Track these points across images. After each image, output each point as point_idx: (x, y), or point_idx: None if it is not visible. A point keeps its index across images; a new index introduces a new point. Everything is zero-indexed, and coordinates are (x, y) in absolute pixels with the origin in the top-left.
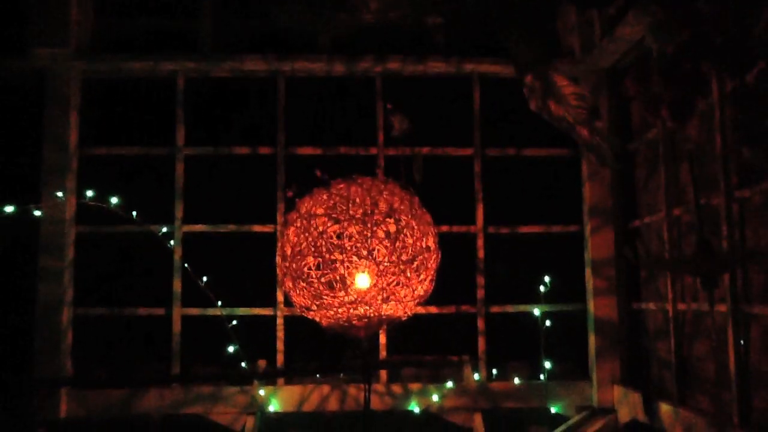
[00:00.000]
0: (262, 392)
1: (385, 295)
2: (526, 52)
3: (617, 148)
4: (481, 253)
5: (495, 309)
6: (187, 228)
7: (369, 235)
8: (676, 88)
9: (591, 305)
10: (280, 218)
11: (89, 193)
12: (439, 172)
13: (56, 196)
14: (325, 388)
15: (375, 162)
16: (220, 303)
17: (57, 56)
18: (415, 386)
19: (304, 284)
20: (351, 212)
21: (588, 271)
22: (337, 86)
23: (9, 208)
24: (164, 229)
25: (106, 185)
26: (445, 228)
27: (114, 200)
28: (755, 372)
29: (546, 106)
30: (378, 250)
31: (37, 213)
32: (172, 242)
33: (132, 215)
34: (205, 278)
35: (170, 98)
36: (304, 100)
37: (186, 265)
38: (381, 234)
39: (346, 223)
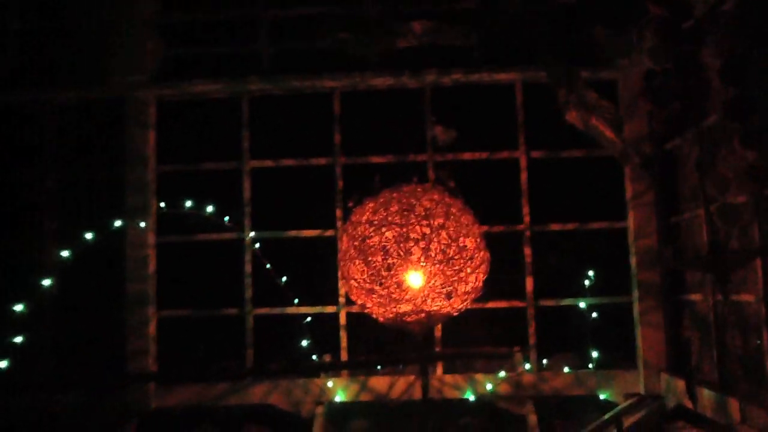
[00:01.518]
0: (329, 384)
1: (430, 293)
2: (556, 68)
3: (644, 154)
4: (528, 250)
5: (544, 302)
6: (255, 235)
7: (417, 237)
8: (679, 103)
9: (637, 298)
10: (338, 223)
11: (164, 204)
12: (487, 175)
13: (138, 225)
14: (386, 379)
15: (425, 168)
16: (296, 301)
17: (134, 83)
18: (469, 377)
19: (360, 284)
20: (390, 218)
21: (633, 264)
22: (386, 98)
23: (117, 222)
24: (251, 236)
25: (180, 198)
26: (493, 227)
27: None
28: None
29: (579, 117)
30: (425, 251)
31: (118, 223)
32: (257, 245)
33: (224, 220)
34: (280, 280)
35: (236, 115)
36: (355, 115)
37: (268, 266)
38: (418, 236)
39: (384, 228)
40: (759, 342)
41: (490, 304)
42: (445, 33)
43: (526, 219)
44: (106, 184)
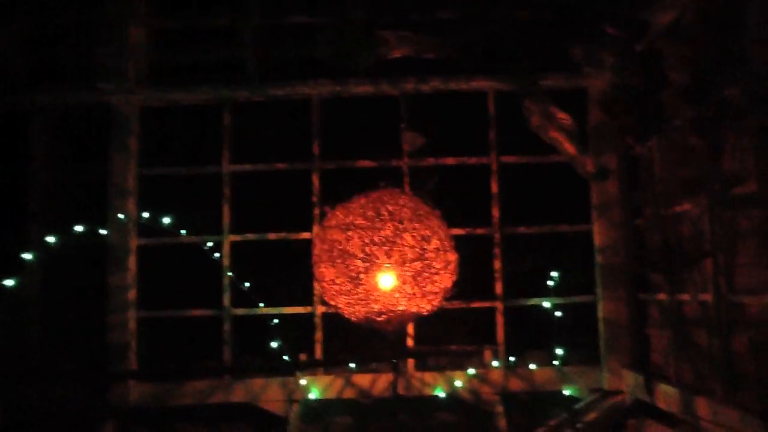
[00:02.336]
0: (303, 382)
1: (406, 293)
2: (520, 78)
3: (601, 166)
4: (498, 253)
5: (512, 302)
6: (233, 238)
7: (387, 240)
8: (638, 116)
9: (600, 296)
10: (315, 227)
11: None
12: (457, 179)
13: (119, 218)
14: (360, 377)
15: (400, 173)
16: (262, 304)
17: (118, 90)
18: (440, 374)
19: (333, 285)
20: (357, 222)
21: (597, 265)
22: (363, 105)
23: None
24: (209, 243)
25: (162, 199)
26: (465, 230)
27: (167, 216)
28: (735, 351)
29: (541, 126)
30: (396, 252)
31: (103, 232)
32: (217, 255)
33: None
34: (247, 283)
35: (217, 120)
36: (334, 122)
37: (230, 273)
38: (382, 239)
39: (351, 232)
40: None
41: (461, 304)
42: (421, 44)
43: (496, 222)
44: (90, 186)
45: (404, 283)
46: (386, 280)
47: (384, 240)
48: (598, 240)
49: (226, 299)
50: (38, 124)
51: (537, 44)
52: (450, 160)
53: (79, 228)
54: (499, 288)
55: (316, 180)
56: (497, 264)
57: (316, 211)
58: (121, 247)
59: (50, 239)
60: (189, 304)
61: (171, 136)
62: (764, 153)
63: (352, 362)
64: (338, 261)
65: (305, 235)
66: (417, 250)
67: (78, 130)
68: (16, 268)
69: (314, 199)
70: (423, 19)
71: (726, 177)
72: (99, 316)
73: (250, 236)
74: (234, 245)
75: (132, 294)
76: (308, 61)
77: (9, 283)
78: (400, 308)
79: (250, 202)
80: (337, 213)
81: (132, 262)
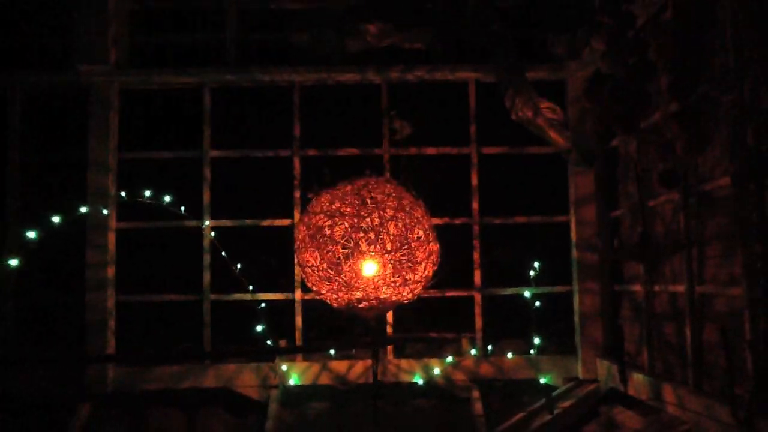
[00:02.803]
0: (283, 368)
1: (387, 280)
2: (503, 69)
3: (586, 151)
4: (476, 243)
5: (490, 291)
6: (214, 223)
7: (369, 228)
8: (624, 106)
9: (576, 288)
10: (296, 213)
11: (123, 192)
12: (439, 169)
13: (101, 210)
14: (339, 363)
15: (381, 162)
16: (251, 287)
17: (98, 72)
18: (418, 361)
19: (315, 271)
20: (343, 209)
21: (574, 257)
22: (348, 93)
23: (80, 207)
24: (206, 222)
25: (142, 185)
26: (445, 220)
27: (148, 195)
28: (705, 341)
29: (524, 116)
30: (380, 240)
31: (84, 210)
32: (212, 233)
33: (180, 210)
34: (239, 266)
35: (198, 105)
36: (315, 106)
37: (224, 253)
38: (368, 227)
39: (337, 218)
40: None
41: (441, 293)
42: (402, 34)
43: (476, 212)
44: (69, 168)
45: (387, 271)
46: (369, 267)
47: (369, 228)
48: (574, 232)
49: (206, 284)
50: (14, 105)
51: (521, 35)
52: (431, 150)
53: (56, 217)
54: (477, 277)
55: (297, 166)
56: (476, 254)
57: (297, 197)
58: (100, 229)
59: (30, 232)
60: (168, 289)
61: (151, 120)
62: (738, 150)
63: (331, 348)
64: (322, 247)
65: (286, 221)
66: (401, 239)
67: (55, 112)
68: None
69: (296, 184)
70: (405, 7)
71: (701, 172)
72: (77, 299)
73: (229, 222)
74: (215, 230)
75: (111, 275)
76: (294, 48)
77: None
78: (382, 296)
79: (231, 187)
80: (322, 199)
81: (111, 243)
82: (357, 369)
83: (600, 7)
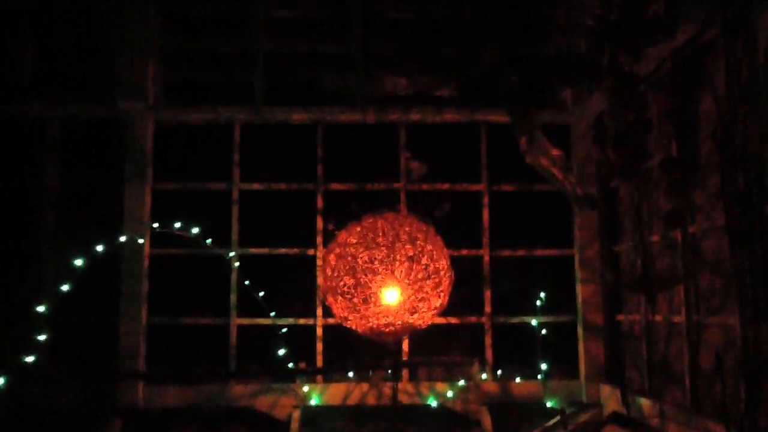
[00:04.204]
0: (305, 389)
1: (408, 307)
2: (519, 117)
3: (590, 196)
4: (487, 274)
5: (500, 319)
6: (241, 251)
7: (394, 258)
8: (625, 156)
9: (581, 317)
10: (319, 243)
11: (158, 221)
12: (453, 205)
13: (137, 239)
14: (358, 386)
15: (399, 197)
16: (273, 314)
17: (136, 108)
18: (432, 385)
19: (343, 299)
20: (378, 240)
21: (578, 288)
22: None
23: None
24: (231, 253)
25: (173, 214)
26: (459, 252)
27: (195, 228)
28: (702, 367)
29: (536, 162)
30: (402, 271)
31: (122, 238)
32: (237, 263)
33: (206, 242)
34: (258, 294)
35: (228, 139)
36: (338, 145)
37: (246, 282)
38: (403, 258)
39: (375, 250)
40: (679, 354)
41: (454, 320)
42: (426, 84)
43: (486, 245)
44: (106, 198)
45: (413, 297)
46: (392, 295)
47: (405, 258)
48: (579, 264)
49: (232, 309)
50: (53, 136)
51: (533, 83)
52: (445, 186)
53: (94, 245)
54: (487, 306)
55: (320, 200)
56: (486, 284)
57: (320, 230)
58: (135, 255)
59: (69, 259)
60: (197, 313)
61: (184, 154)
62: (728, 192)
63: (350, 371)
64: (357, 275)
65: (310, 251)
66: (431, 268)
67: (92, 143)
68: (30, 280)
69: (319, 217)
70: (424, 57)
71: (695, 212)
72: (111, 321)
73: (257, 251)
74: (242, 258)
75: (143, 299)
76: (317, 88)
77: (41, 309)
78: (408, 321)
79: (257, 218)
80: (352, 231)
81: (145, 269)
82: (375, 391)
83: (606, 67)
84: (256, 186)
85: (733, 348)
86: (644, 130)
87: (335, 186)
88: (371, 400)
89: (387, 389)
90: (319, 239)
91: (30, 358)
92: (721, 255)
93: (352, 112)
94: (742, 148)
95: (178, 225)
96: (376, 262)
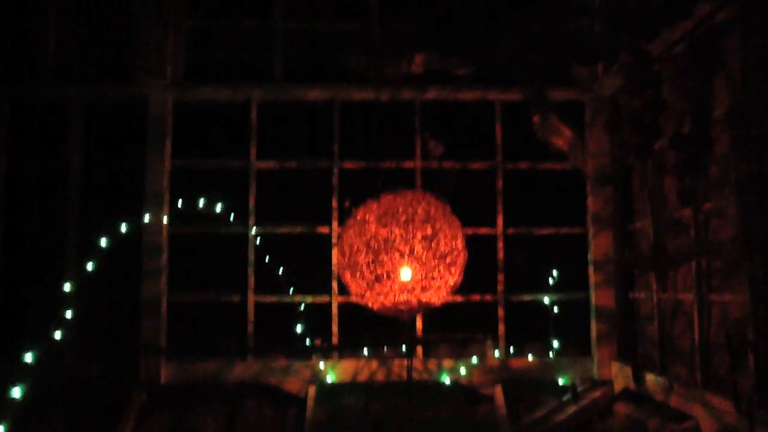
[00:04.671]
0: (321, 366)
1: (423, 285)
2: (531, 92)
3: (603, 172)
4: (500, 252)
5: (513, 298)
6: (259, 229)
7: (410, 237)
8: (640, 134)
9: (593, 295)
10: (334, 221)
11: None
12: (467, 183)
13: (159, 212)
14: (372, 362)
15: (414, 176)
16: (291, 290)
17: (155, 86)
18: (445, 362)
19: (361, 276)
20: (397, 218)
21: (590, 267)
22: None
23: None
24: (252, 231)
25: (193, 191)
26: (474, 230)
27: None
28: (711, 343)
29: (548, 139)
30: (419, 249)
31: (144, 217)
32: (250, 243)
33: (228, 219)
34: (274, 272)
35: (245, 117)
36: (354, 123)
37: (265, 259)
38: (420, 236)
39: (393, 228)
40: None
41: (468, 298)
42: (442, 62)
43: (500, 224)
44: (128, 177)
45: (425, 277)
46: (406, 273)
47: (425, 237)
48: (592, 242)
49: (249, 286)
50: (76, 116)
51: (550, 63)
52: (458, 165)
53: (116, 224)
54: (500, 284)
55: (335, 179)
56: (500, 262)
57: (335, 206)
58: (155, 235)
59: (99, 238)
60: (216, 290)
61: (202, 132)
62: (741, 170)
63: (365, 348)
64: (377, 252)
65: (325, 229)
66: (444, 248)
67: (112, 123)
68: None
69: (334, 196)
70: (444, 36)
71: (708, 190)
72: (131, 300)
73: (273, 229)
74: (258, 236)
75: (164, 278)
76: (334, 66)
77: (67, 288)
78: (424, 299)
79: (274, 196)
80: (372, 208)
81: (165, 248)
82: (389, 368)
83: (622, 46)
84: (272, 164)
85: (742, 326)
86: (660, 108)
87: (350, 164)
88: (386, 376)
89: (400, 366)
90: (335, 217)
91: (57, 334)
92: (733, 234)
93: (368, 89)
94: (756, 128)
95: (197, 203)
96: (395, 240)
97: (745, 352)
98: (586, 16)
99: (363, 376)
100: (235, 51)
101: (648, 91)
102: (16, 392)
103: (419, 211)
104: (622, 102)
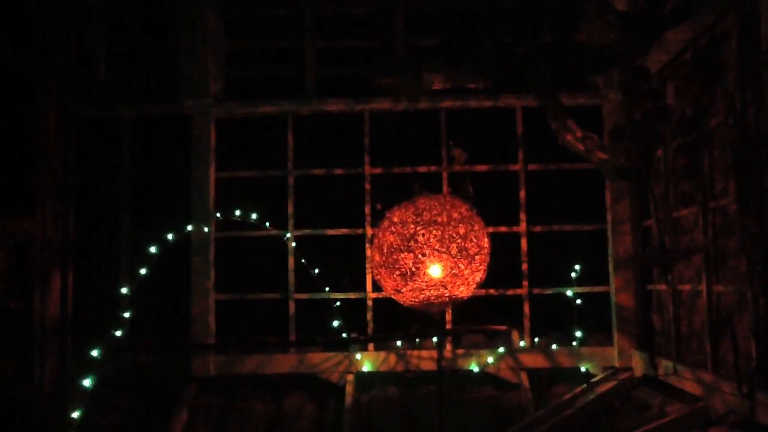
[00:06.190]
0: (357, 356)
1: (452, 281)
2: (546, 102)
3: (620, 169)
4: (524, 248)
5: (537, 291)
6: (297, 232)
7: (445, 236)
8: (640, 144)
9: (613, 288)
10: (367, 224)
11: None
12: (493, 183)
13: (205, 219)
14: (405, 353)
15: (440, 179)
16: (327, 288)
17: (199, 104)
18: (474, 352)
19: (397, 273)
20: (434, 219)
21: (610, 261)
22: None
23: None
24: (287, 234)
25: (236, 199)
26: (497, 229)
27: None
28: (720, 332)
29: (567, 141)
30: (454, 248)
31: (189, 227)
32: (293, 244)
33: (266, 225)
34: (312, 270)
35: (283, 130)
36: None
37: (303, 260)
38: (452, 235)
39: (431, 228)
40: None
41: (495, 292)
42: (461, 78)
43: (523, 222)
44: (175, 189)
45: (455, 273)
46: (436, 270)
47: (458, 236)
48: (611, 238)
49: (291, 285)
50: (126, 131)
51: (564, 72)
52: (483, 167)
53: (165, 233)
54: (525, 278)
55: (367, 185)
56: (525, 258)
57: (368, 211)
58: (203, 240)
59: (150, 246)
60: (259, 289)
61: (242, 144)
62: (741, 174)
63: (399, 339)
64: (415, 252)
65: (358, 231)
66: (478, 246)
67: (156, 137)
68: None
69: (367, 200)
70: (463, 54)
71: (712, 192)
72: (182, 301)
73: (311, 232)
74: (297, 239)
75: (211, 278)
76: (361, 81)
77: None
78: (454, 294)
79: (310, 202)
80: (409, 210)
81: (212, 252)
82: (421, 358)
83: (616, 62)
84: (309, 172)
85: (744, 315)
86: (659, 118)
87: (380, 170)
88: (418, 366)
89: (431, 357)
90: (368, 220)
91: (118, 333)
92: (734, 231)
93: (394, 102)
94: (754, 132)
95: (241, 210)
96: (429, 239)
97: (748, 339)
98: (598, 25)
99: (397, 367)
100: (269, 69)
101: (647, 102)
102: (87, 382)
103: (454, 213)
104: (622, 116)
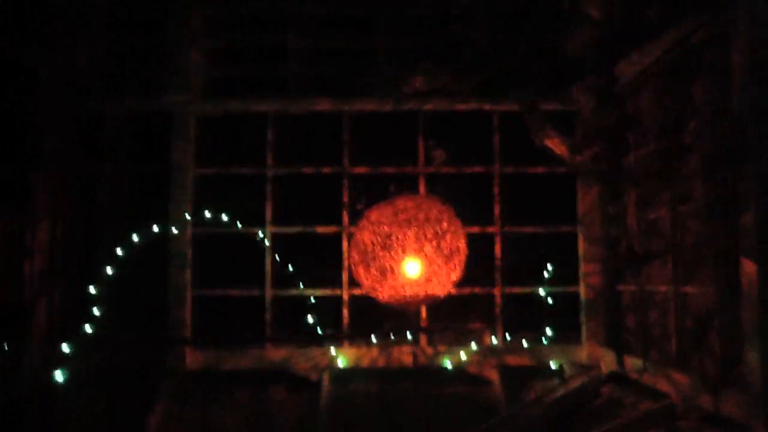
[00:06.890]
0: (333, 352)
1: (428, 279)
2: (531, 114)
3: (594, 172)
4: (498, 249)
5: (510, 290)
6: (274, 229)
7: (421, 236)
8: (609, 149)
9: (582, 287)
10: (345, 222)
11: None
12: (468, 185)
13: (184, 215)
14: (381, 349)
15: (416, 180)
16: (304, 284)
17: (180, 101)
18: (448, 349)
19: (375, 272)
20: (411, 219)
21: (581, 261)
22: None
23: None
24: (263, 232)
25: (215, 196)
26: (472, 229)
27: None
28: (685, 331)
29: (545, 146)
30: (430, 248)
31: (169, 221)
32: (267, 242)
33: (237, 224)
34: (286, 268)
35: (262, 128)
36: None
37: (277, 257)
38: (429, 235)
39: (406, 228)
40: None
41: (468, 290)
42: (440, 81)
43: (498, 222)
44: (155, 185)
45: (431, 272)
46: (413, 269)
47: (433, 236)
48: (581, 240)
49: (267, 281)
50: (108, 127)
51: (538, 77)
52: (462, 170)
53: (147, 228)
54: (498, 278)
55: (346, 184)
56: (498, 258)
57: (345, 210)
58: (181, 236)
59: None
60: (236, 286)
61: (223, 141)
62: (709, 178)
63: (374, 336)
64: (391, 251)
65: (335, 228)
66: (453, 246)
67: (139, 133)
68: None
69: (345, 199)
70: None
71: (679, 196)
72: (159, 297)
73: (288, 229)
74: (275, 236)
75: (188, 274)
76: (344, 80)
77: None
78: (430, 292)
79: (289, 200)
80: (385, 210)
81: (189, 247)
82: (395, 354)
83: (588, 69)
84: (286, 170)
85: (709, 314)
86: (628, 126)
87: (359, 170)
88: (393, 362)
89: (406, 353)
90: (345, 219)
91: (90, 329)
92: (701, 235)
93: (374, 102)
94: (723, 140)
95: (219, 206)
96: (407, 238)
97: (714, 338)
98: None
99: (372, 363)
100: (252, 67)
101: (617, 110)
102: (59, 376)
103: (429, 213)
104: (594, 122)
